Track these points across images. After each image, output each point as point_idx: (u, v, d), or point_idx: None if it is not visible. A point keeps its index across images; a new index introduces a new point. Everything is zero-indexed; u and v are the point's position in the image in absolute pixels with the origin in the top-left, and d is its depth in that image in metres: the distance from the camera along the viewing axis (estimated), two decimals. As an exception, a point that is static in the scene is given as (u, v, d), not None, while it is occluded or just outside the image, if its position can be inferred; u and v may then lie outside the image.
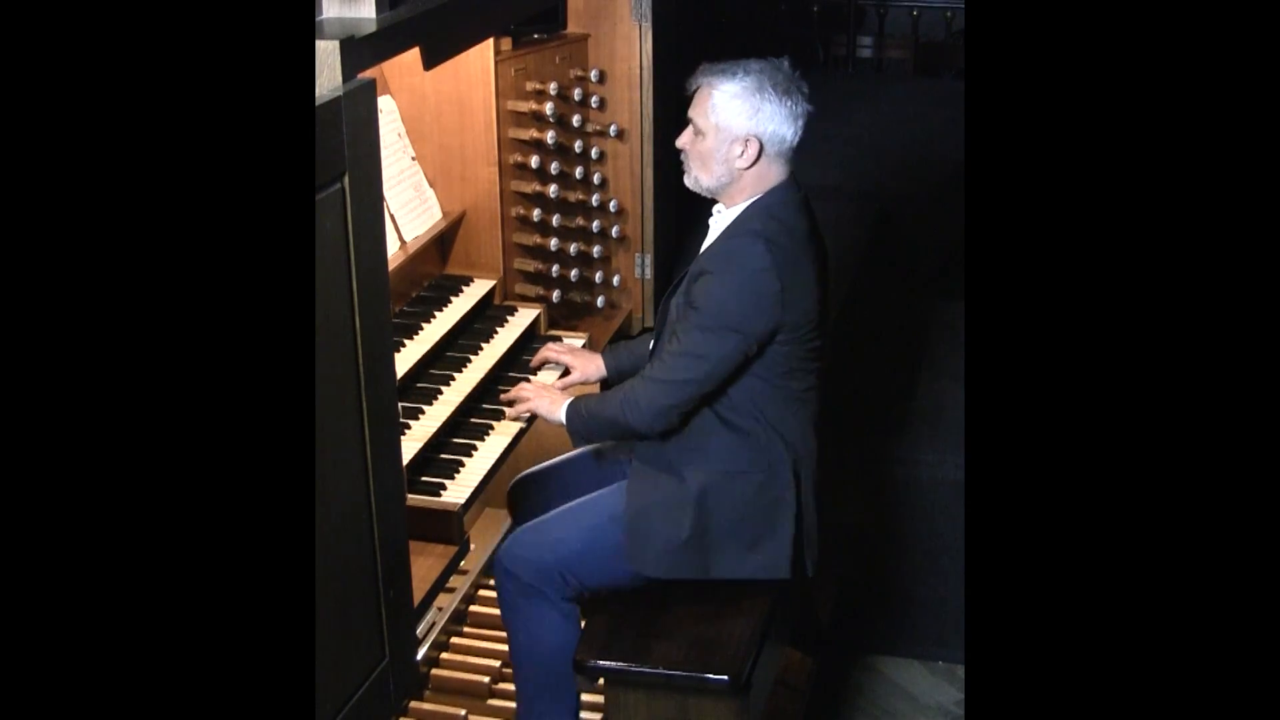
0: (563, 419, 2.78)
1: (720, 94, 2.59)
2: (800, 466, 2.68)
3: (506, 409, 2.91)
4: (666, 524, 2.66)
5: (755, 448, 2.65)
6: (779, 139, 2.59)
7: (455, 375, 2.94)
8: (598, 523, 2.71)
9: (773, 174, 2.63)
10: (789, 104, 2.58)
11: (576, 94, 3.35)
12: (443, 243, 3.22)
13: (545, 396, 2.85)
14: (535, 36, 3.29)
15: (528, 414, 2.89)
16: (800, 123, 2.61)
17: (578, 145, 3.37)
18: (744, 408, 2.64)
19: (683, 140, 2.69)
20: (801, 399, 2.67)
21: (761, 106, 2.57)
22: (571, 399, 2.80)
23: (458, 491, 2.64)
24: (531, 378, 3.02)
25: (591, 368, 3.04)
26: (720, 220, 2.68)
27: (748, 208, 2.63)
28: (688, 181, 2.71)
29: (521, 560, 2.73)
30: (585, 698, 2.88)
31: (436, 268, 3.25)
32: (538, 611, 2.74)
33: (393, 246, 2.90)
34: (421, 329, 2.98)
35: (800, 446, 2.68)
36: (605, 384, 3.06)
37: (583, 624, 2.77)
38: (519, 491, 3.05)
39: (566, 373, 3.07)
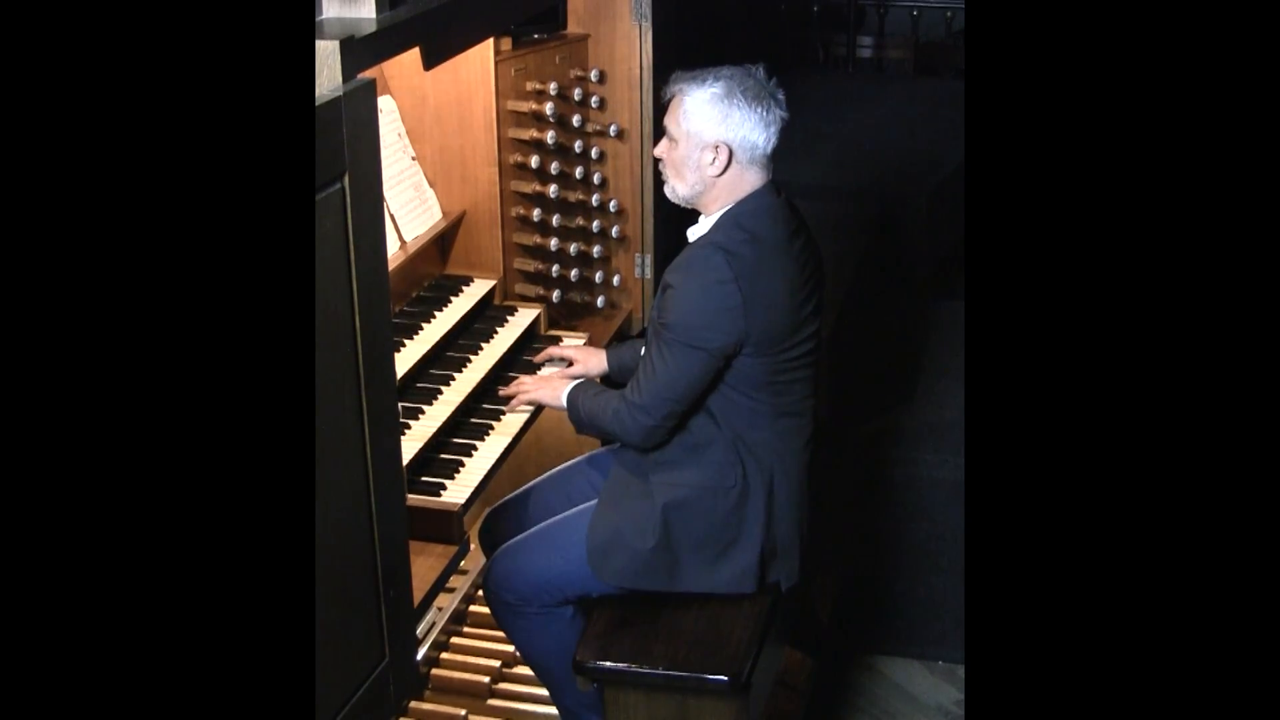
0: (564, 404, 2.80)
1: (691, 100, 2.59)
2: (777, 480, 2.66)
3: (507, 404, 2.92)
4: (631, 536, 2.66)
5: (726, 463, 2.64)
6: (750, 145, 2.58)
7: (455, 375, 2.94)
8: (575, 539, 2.71)
9: (746, 181, 2.61)
10: (760, 110, 2.56)
11: (576, 94, 3.35)
12: (443, 243, 3.22)
13: (546, 386, 2.88)
14: (535, 37, 3.29)
15: (529, 405, 2.89)
16: (773, 130, 2.59)
17: (578, 145, 3.37)
18: (718, 421, 2.63)
19: (659, 149, 2.70)
20: (783, 411, 2.64)
21: (731, 113, 2.56)
22: (572, 386, 2.81)
23: (458, 491, 2.64)
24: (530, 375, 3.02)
25: (593, 362, 3.04)
26: (695, 232, 2.68)
27: (720, 217, 2.62)
28: (666, 191, 2.72)
29: (505, 581, 2.75)
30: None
31: (436, 268, 3.25)
32: (534, 625, 2.76)
33: (393, 246, 2.90)
34: (421, 329, 2.98)
35: (777, 461, 2.66)
36: (606, 379, 3.07)
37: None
38: (492, 523, 3.04)
39: (569, 365, 3.07)
